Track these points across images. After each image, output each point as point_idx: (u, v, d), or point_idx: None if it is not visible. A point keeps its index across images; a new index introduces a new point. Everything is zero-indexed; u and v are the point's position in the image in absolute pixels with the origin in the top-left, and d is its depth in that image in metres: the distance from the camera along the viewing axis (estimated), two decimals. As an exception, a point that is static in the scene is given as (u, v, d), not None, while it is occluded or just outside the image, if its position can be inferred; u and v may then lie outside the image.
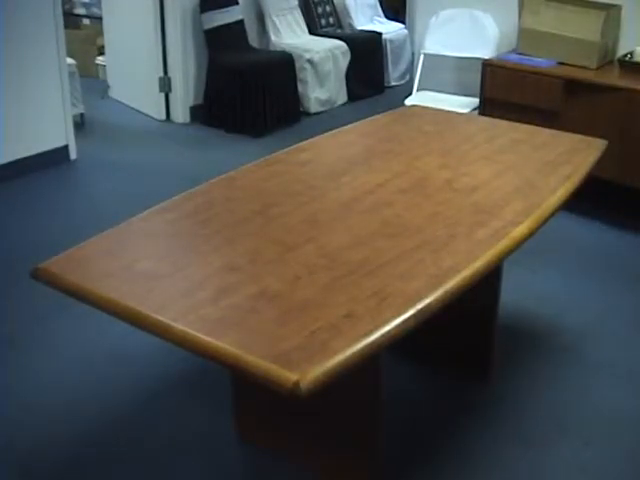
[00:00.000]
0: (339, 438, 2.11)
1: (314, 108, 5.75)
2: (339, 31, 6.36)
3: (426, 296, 1.60)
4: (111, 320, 1.61)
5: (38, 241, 3.57)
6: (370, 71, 6.26)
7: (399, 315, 1.53)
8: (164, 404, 2.51)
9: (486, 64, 4.04)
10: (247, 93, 5.18)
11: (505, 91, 3.97)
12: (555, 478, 2.21)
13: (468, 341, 2.58)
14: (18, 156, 4.37)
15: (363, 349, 1.43)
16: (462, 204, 2.07)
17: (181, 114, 5.52)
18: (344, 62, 5.95)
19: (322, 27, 6.28)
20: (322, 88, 5.80)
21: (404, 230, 1.91)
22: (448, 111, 3.15)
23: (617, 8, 3.95)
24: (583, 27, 3.86)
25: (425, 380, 2.64)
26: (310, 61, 5.63)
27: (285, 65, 5.46)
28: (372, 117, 2.88)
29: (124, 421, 2.44)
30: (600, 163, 2.44)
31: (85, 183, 4.51)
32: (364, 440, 2.07)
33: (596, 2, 3.90)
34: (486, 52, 4.40)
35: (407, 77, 6.58)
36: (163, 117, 5.55)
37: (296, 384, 1.32)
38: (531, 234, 1.96)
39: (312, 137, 2.61)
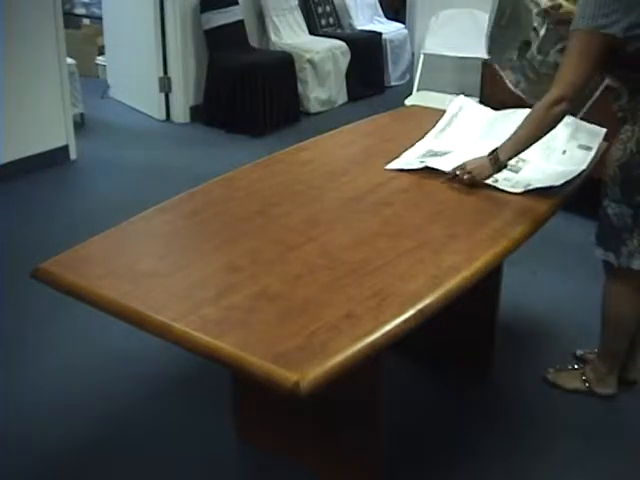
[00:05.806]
0: (339, 438, 2.11)
1: (314, 108, 5.75)
2: (339, 31, 6.37)
3: (426, 296, 1.60)
4: (111, 320, 1.61)
5: (38, 241, 3.56)
6: (370, 71, 6.26)
7: (399, 315, 1.53)
8: (164, 404, 2.51)
9: (486, 64, 4.03)
10: (247, 93, 5.18)
11: (505, 91, 3.96)
12: (555, 478, 2.21)
13: (468, 341, 2.58)
14: (18, 156, 4.36)
15: (363, 349, 1.43)
16: (462, 204, 2.07)
17: (181, 114, 5.52)
18: (344, 62, 5.95)
19: (322, 27, 6.28)
20: (322, 88, 5.81)
21: (404, 230, 1.91)
22: (448, 111, 3.14)
23: (617, 8, 3.95)
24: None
25: (425, 380, 2.64)
26: (310, 61, 5.63)
27: (285, 65, 5.46)
28: (372, 117, 2.88)
29: (124, 421, 2.44)
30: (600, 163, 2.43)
31: (85, 183, 4.51)
32: (364, 440, 2.07)
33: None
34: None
35: (407, 77, 6.59)
36: (163, 117, 5.55)
37: (296, 384, 1.32)
38: (531, 234, 1.96)
39: (312, 137, 2.61)
